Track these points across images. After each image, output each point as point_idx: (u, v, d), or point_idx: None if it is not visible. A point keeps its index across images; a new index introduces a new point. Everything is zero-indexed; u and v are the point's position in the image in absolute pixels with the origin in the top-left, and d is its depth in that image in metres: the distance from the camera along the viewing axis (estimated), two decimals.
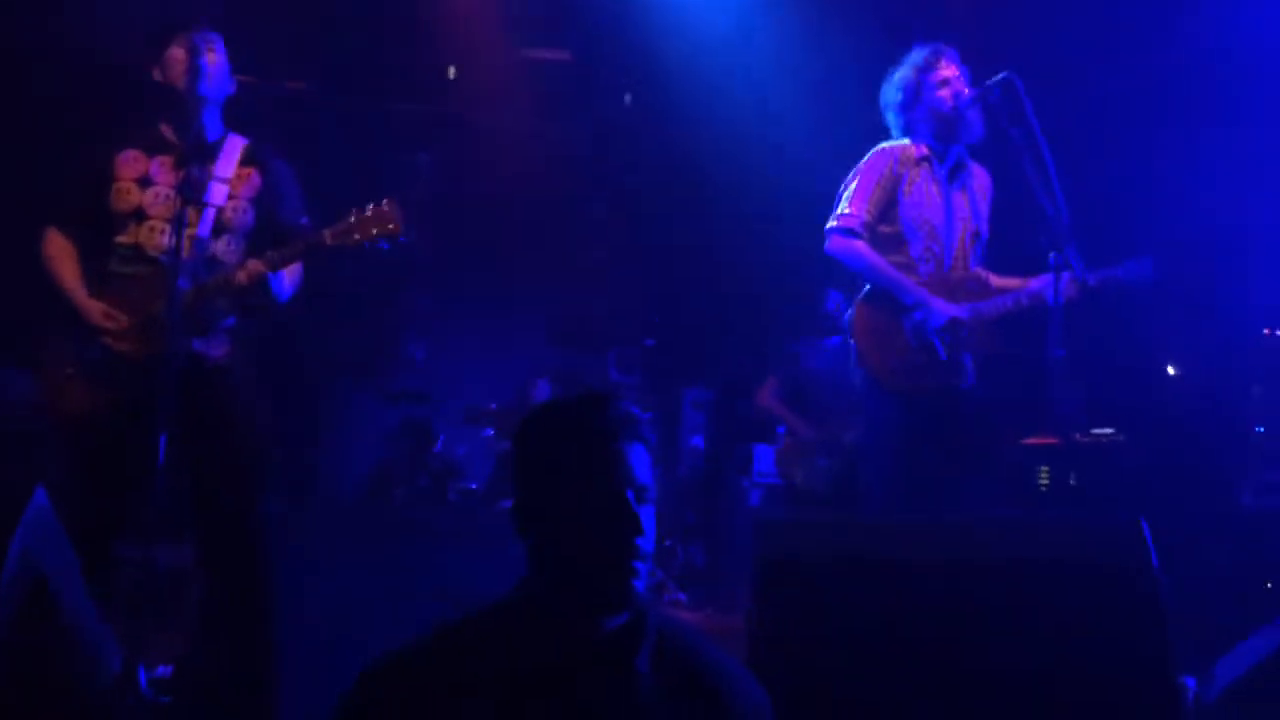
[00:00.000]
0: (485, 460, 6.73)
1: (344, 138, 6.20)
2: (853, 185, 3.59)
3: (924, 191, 3.56)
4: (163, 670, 2.76)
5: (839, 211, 3.58)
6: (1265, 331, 5.00)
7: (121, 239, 3.10)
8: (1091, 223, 3.39)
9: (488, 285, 7.27)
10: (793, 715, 1.70)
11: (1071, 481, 4.22)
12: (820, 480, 5.58)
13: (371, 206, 3.07)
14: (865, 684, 2.25)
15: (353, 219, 3.06)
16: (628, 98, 6.96)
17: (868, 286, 3.57)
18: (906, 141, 3.63)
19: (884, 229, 3.57)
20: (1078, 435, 4.58)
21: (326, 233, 3.07)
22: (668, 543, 6.27)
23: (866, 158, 3.63)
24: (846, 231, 3.54)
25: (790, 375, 5.83)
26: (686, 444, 7.46)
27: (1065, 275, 3.27)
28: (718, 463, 7.18)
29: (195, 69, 3.04)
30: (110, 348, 3.02)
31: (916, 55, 3.62)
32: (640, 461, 1.61)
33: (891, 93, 3.66)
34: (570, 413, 1.64)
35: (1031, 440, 4.65)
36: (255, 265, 3.05)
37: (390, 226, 3.05)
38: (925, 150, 3.60)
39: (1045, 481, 4.59)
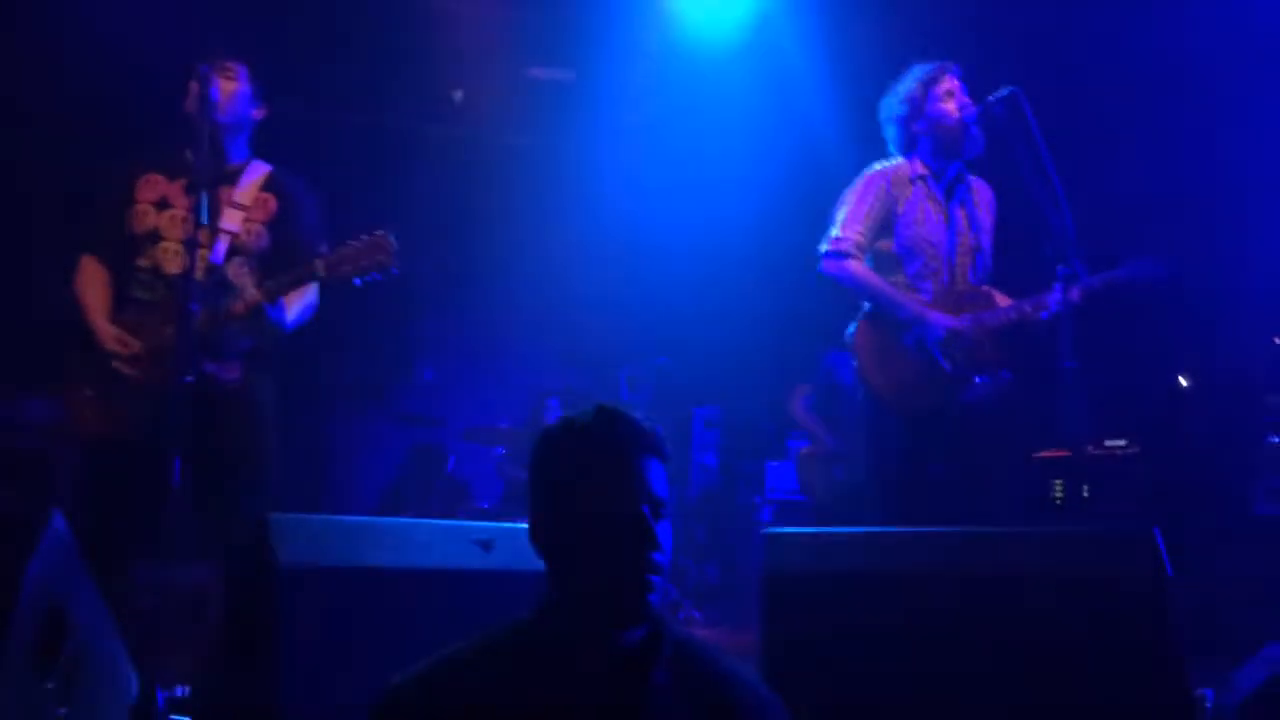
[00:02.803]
0: (496, 480, 6.74)
1: (349, 158, 6.25)
2: (845, 209, 3.60)
3: (920, 210, 3.56)
4: (180, 691, 2.76)
5: (831, 235, 3.59)
6: (1276, 340, 4.98)
7: (140, 261, 3.16)
8: (1098, 233, 3.39)
9: (497, 305, 7.30)
10: None
11: (1084, 494, 4.21)
12: (835, 493, 5.60)
13: (365, 237, 3.04)
14: (874, 696, 2.25)
15: (345, 250, 3.05)
16: (631, 113, 6.99)
17: (868, 305, 3.59)
18: (900, 160, 3.64)
19: (882, 246, 3.58)
20: (1090, 448, 4.56)
21: (319, 263, 3.06)
22: (681, 561, 6.27)
23: (858, 180, 3.63)
24: (838, 254, 3.56)
25: (823, 385, 5.84)
26: (698, 462, 7.47)
27: (1069, 288, 3.27)
28: (729, 480, 7.19)
29: (204, 98, 3.08)
30: (122, 371, 3.05)
31: (919, 70, 3.63)
32: (657, 476, 1.61)
33: (894, 105, 3.66)
34: (585, 427, 1.63)
35: (1043, 454, 4.64)
36: (251, 295, 3.07)
37: (381, 258, 3.01)
38: (921, 168, 3.60)
39: (1059, 495, 4.58)
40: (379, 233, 3.04)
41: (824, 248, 3.60)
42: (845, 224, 3.58)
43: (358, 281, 3.04)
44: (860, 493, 5.29)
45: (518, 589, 1.89)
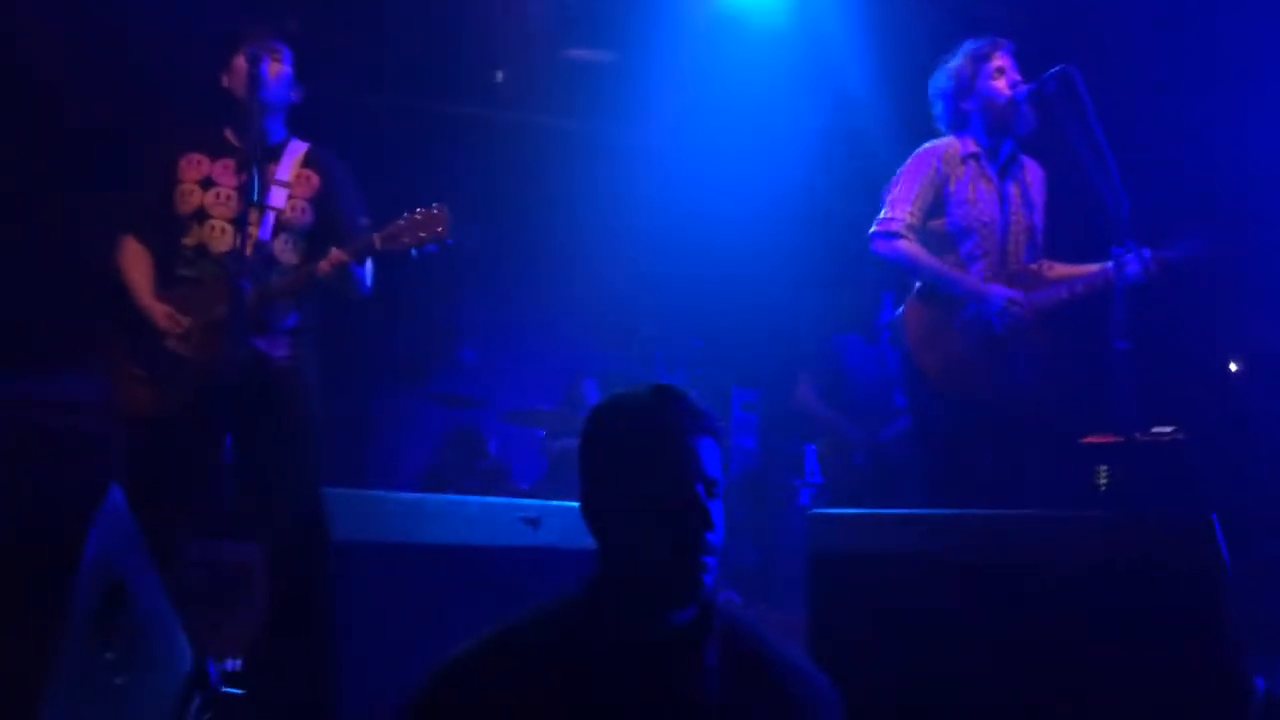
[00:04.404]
0: (536, 462, 6.76)
1: (390, 140, 6.26)
2: (896, 188, 3.58)
3: (972, 188, 3.53)
4: (232, 664, 2.80)
5: (881, 215, 3.58)
6: None
7: (185, 240, 3.19)
8: (1152, 214, 3.34)
9: (536, 286, 7.31)
10: (848, 710, 1.69)
11: (1131, 481, 4.15)
12: (856, 479, 5.54)
13: (421, 210, 3.10)
14: (921, 677, 2.24)
15: (402, 223, 3.10)
16: (670, 95, 6.95)
17: (919, 284, 3.56)
18: (952, 138, 3.61)
19: (934, 224, 3.56)
20: (1138, 434, 4.49)
21: (376, 236, 3.12)
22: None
23: (910, 159, 3.61)
24: (889, 235, 3.54)
25: (829, 371, 5.77)
26: (737, 444, 7.45)
27: (1127, 261, 3.22)
28: (768, 463, 7.16)
29: (255, 77, 3.11)
30: (175, 349, 3.09)
31: (970, 46, 3.60)
32: (710, 456, 1.60)
33: (943, 81, 3.63)
34: (640, 404, 1.62)
35: (1091, 439, 4.58)
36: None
37: (439, 230, 3.07)
38: (973, 146, 3.57)
39: (1104, 481, 4.52)
40: (435, 205, 3.08)
41: (874, 228, 3.58)
42: (895, 204, 3.56)
43: (415, 253, 3.08)
44: (882, 479, 5.26)
45: (567, 566, 1.90)
